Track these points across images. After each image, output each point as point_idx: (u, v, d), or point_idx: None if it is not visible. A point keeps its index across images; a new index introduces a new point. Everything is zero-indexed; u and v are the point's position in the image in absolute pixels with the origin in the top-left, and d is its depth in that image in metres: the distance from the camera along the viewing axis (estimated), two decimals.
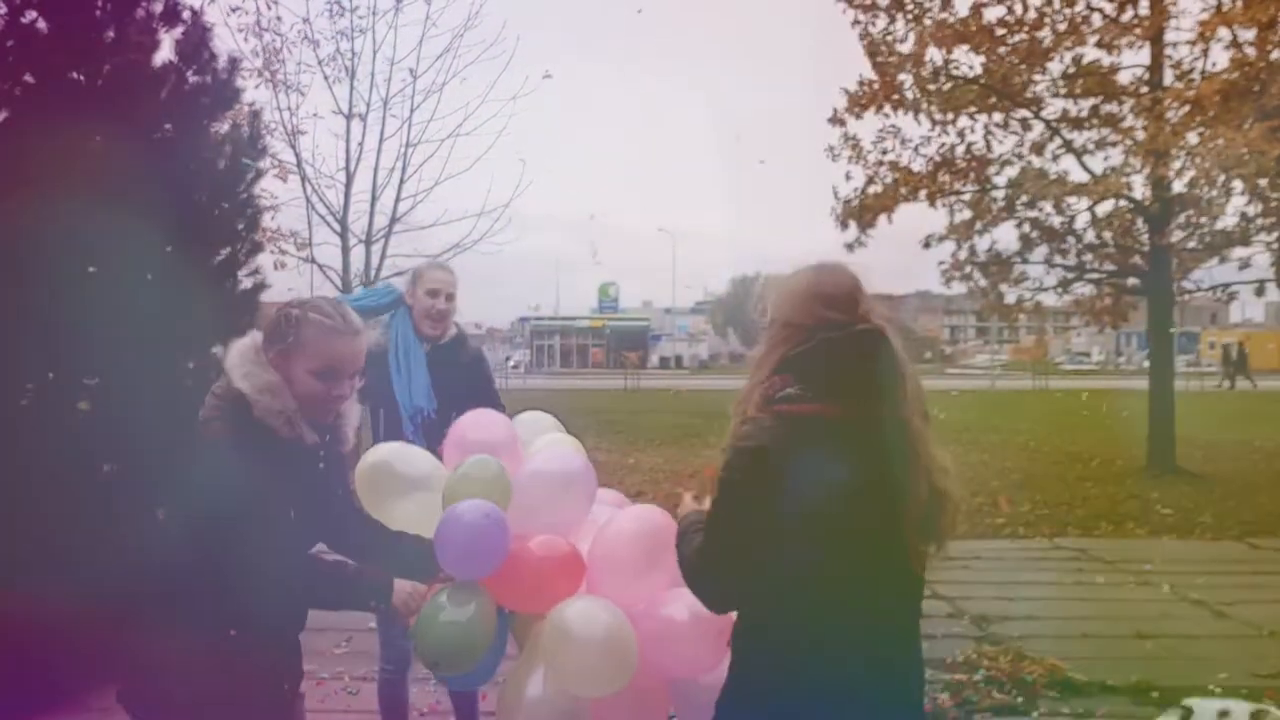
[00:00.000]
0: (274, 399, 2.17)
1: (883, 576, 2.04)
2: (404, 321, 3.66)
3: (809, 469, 1.89)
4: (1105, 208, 12.09)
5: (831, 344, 1.95)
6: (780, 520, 1.91)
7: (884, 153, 12.47)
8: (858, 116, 12.21)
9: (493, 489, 2.50)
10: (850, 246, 12.45)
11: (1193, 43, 10.93)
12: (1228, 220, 11.46)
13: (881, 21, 11.79)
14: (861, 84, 12.01)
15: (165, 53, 5.12)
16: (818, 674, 1.95)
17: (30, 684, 4.02)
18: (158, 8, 5.09)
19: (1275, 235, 11.41)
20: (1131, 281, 12.31)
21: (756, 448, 1.91)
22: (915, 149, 12.37)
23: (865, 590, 2.01)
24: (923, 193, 12.17)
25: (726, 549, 1.98)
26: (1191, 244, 11.48)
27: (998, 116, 12.11)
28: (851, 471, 1.92)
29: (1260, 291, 12.19)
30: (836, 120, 12.37)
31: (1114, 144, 11.91)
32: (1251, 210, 11.25)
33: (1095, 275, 12.51)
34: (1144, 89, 11.57)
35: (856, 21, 11.87)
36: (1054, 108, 12.17)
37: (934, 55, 11.68)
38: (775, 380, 1.97)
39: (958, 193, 12.37)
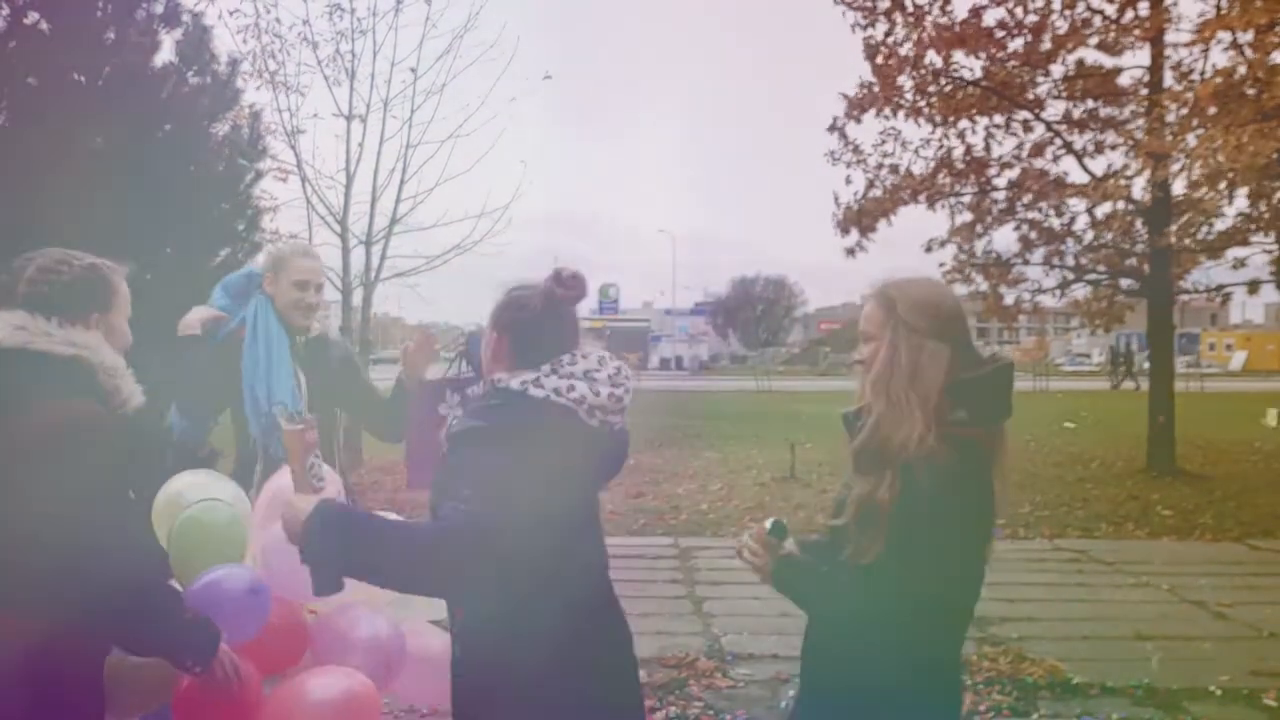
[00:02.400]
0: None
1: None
2: (265, 311, 3.22)
3: (984, 493, 1.99)
4: (1105, 209, 12.11)
5: (1004, 371, 2.03)
6: (972, 544, 2.06)
7: (885, 156, 12.48)
8: (857, 120, 12.21)
9: (223, 538, 2.34)
10: (851, 251, 12.46)
11: (1191, 44, 10.94)
12: (1226, 221, 11.47)
13: (881, 24, 11.80)
14: (861, 87, 12.01)
15: (166, 54, 5.15)
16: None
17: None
18: (158, 9, 5.11)
19: (1272, 236, 11.40)
20: (1127, 284, 12.31)
21: (958, 470, 1.92)
22: (916, 151, 12.38)
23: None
24: (923, 195, 12.17)
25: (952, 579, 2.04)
26: (1190, 245, 11.48)
27: (998, 119, 12.11)
28: (993, 498, 2.03)
29: (1254, 290, 12.17)
30: (834, 128, 12.37)
31: (1114, 146, 11.92)
32: (1251, 211, 11.25)
33: (1094, 277, 12.51)
34: (1144, 90, 11.59)
35: (856, 25, 11.87)
36: (1054, 109, 12.19)
37: (934, 58, 11.69)
38: (945, 402, 1.95)
39: (958, 194, 12.38)
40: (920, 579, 1.90)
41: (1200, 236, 11.42)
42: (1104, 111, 12.06)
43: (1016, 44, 11.46)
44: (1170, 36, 11.29)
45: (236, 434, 3.32)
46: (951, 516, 1.90)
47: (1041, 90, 11.99)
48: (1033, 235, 12.35)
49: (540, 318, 2.07)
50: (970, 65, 11.80)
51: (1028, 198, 11.85)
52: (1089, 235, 12.36)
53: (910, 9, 11.59)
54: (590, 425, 2.00)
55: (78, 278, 2.16)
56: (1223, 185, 9.98)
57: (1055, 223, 12.30)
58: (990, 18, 11.42)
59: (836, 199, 12.49)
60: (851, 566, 1.97)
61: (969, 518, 1.95)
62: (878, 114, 12.03)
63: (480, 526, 1.88)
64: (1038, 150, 12.11)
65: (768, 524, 2.09)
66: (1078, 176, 12.06)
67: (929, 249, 12.66)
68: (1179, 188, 11.26)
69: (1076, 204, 12.10)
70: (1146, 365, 14.00)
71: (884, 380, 1.97)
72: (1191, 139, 10.35)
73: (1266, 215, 11.09)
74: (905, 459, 1.89)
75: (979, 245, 12.47)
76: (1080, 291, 12.80)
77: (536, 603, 1.97)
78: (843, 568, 1.99)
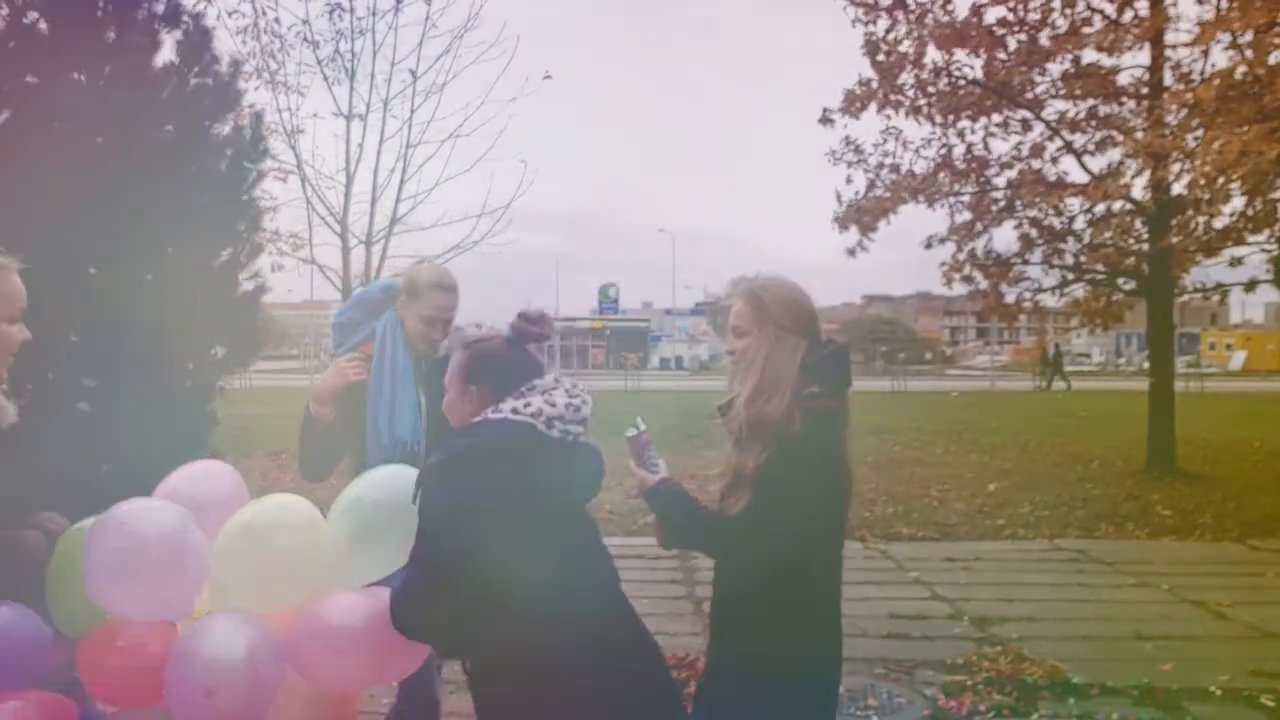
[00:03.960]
0: None
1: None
2: (394, 333, 3.09)
3: (837, 454, 2.30)
4: (1105, 208, 12.10)
5: (842, 351, 2.36)
6: (828, 498, 2.28)
7: (885, 155, 12.48)
8: (855, 117, 12.21)
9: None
10: (852, 250, 12.46)
11: (1191, 44, 10.93)
12: (1223, 220, 11.46)
13: (883, 21, 11.80)
14: (861, 84, 12.00)
15: (166, 54, 5.13)
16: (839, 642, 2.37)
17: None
18: (159, 9, 5.10)
19: (1269, 235, 11.40)
20: (1126, 284, 12.30)
21: (818, 434, 2.23)
22: (917, 150, 12.38)
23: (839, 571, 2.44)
24: (923, 195, 12.17)
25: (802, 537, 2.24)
26: (1188, 244, 11.47)
27: (997, 118, 12.11)
28: (847, 455, 2.34)
29: (1251, 288, 12.17)
30: (825, 119, 12.35)
31: (1114, 145, 11.91)
32: (1247, 210, 11.24)
33: (1094, 276, 12.51)
34: (1144, 90, 11.58)
35: (858, 20, 11.87)
36: (1054, 109, 12.19)
37: (934, 56, 11.70)
38: (801, 379, 2.26)
39: (957, 194, 12.38)
40: (777, 526, 2.17)
41: (1197, 235, 11.42)
42: (1103, 111, 12.06)
43: (1016, 43, 11.46)
44: (1170, 37, 11.32)
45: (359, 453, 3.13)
46: (811, 472, 2.20)
47: (1041, 90, 11.99)
48: (1033, 234, 12.36)
49: (509, 361, 2.20)
50: (971, 64, 11.81)
51: (1027, 197, 11.84)
52: (1088, 234, 12.37)
53: (912, 5, 11.59)
54: (550, 436, 2.10)
55: None
56: (1220, 180, 9.97)
57: (1055, 222, 12.31)
58: (991, 16, 11.45)
59: (839, 197, 12.49)
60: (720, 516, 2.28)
61: (826, 474, 2.26)
62: (878, 111, 12.03)
63: (427, 565, 1.99)
64: (1037, 150, 12.11)
65: (631, 431, 2.39)
66: (1078, 176, 12.08)
67: (929, 246, 12.67)
68: (1178, 188, 11.26)
69: (1076, 204, 12.10)
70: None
71: (758, 368, 2.27)
72: (1191, 139, 10.35)
73: (1261, 214, 11.08)
74: (775, 430, 2.21)
75: (979, 244, 12.48)
76: (1080, 291, 12.80)
77: (539, 635, 2.00)
78: (712, 513, 2.31)
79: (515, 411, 2.09)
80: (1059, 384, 32.31)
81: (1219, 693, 4.67)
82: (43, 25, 4.79)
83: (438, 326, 3.08)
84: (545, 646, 2.01)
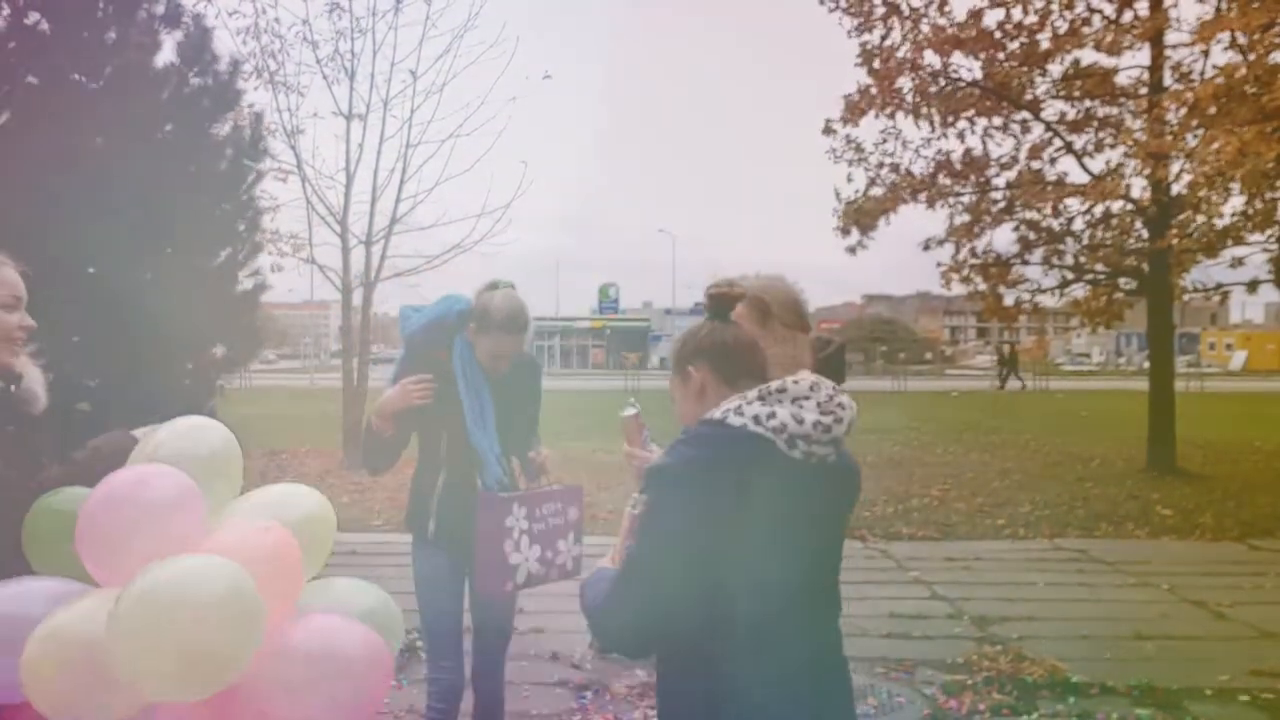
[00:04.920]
0: None
1: None
2: (467, 355, 3.19)
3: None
4: (1104, 208, 12.11)
5: (840, 349, 2.31)
6: None
7: (885, 155, 12.48)
8: (855, 124, 12.22)
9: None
10: (852, 249, 12.46)
11: (1191, 44, 10.94)
12: (1223, 220, 11.47)
13: (878, 30, 11.79)
14: (859, 91, 12.00)
15: (167, 54, 5.15)
16: None
17: None
18: (159, 10, 5.11)
19: (1270, 235, 11.41)
20: (1126, 283, 12.31)
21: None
22: (917, 151, 12.38)
23: None
24: (923, 195, 12.18)
25: None
26: (1188, 244, 11.48)
27: (997, 119, 12.11)
28: None
29: (1253, 289, 12.18)
30: (828, 130, 12.37)
31: (1113, 145, 11.92)
32: (1247, 209, 11.25)
33: (1093, 276, 12.51)
34: (1144, 90, 11.58)
35: (853, 31, 11.86)
36: (1053, 109, 12.19)
37: (932, 59, 11.69)
38: None
39: (957, 194, 12.38)
40: None
41: (1196, 237, 11.43)
42: (1103, 111, 12.07)
43: (1015, 45, 11.46)
44: (1170, 37, 11.32)
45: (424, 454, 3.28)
46: None
47: (1040, 90, 12.00)
48: (1031, 235, 12.37)
49: (717, 331, 1.97)
50: (969, 66, 11.82)
51: (1026, 198, 11.85)
52: (1088, 235, 12.38)
53: (907, 12, 11.59)
54: (791, 457, 1.80)
55: None
56: (1219, 180, 9.98)
57: (1054, 223, 12.32)
58: (989, 19, 11.45)
59: (838, 195, 12.50)
60: None
61: None
62: (877, 115, 12.04)
63: (631, 581, 1.82)
64: (1036, 151, 12.12)
65: (628, 410, 2.29)
66: (1077, 176, 12.08)
67: (926, 247, 12.68)
68: (1178, 189, 11.27)
69: (1076, 204, 12.11)
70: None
71: (773, 368, 2.16)
72: (1191, 139, 10.35)
73: (1261, 214, 11.09)
74: None
75: (978, 245, 12.49)
76: (1079, 291, 12.81)
77: (739, 667, 1.81)
78: None
79: (757, 421, 1.80)
80: (1013, 383, 32.37)
81: (1219, 693, 4.67)
82: (43, 25, 4.80)
83: (504, 361, 3.20)
84: (750, 678, 1.80)
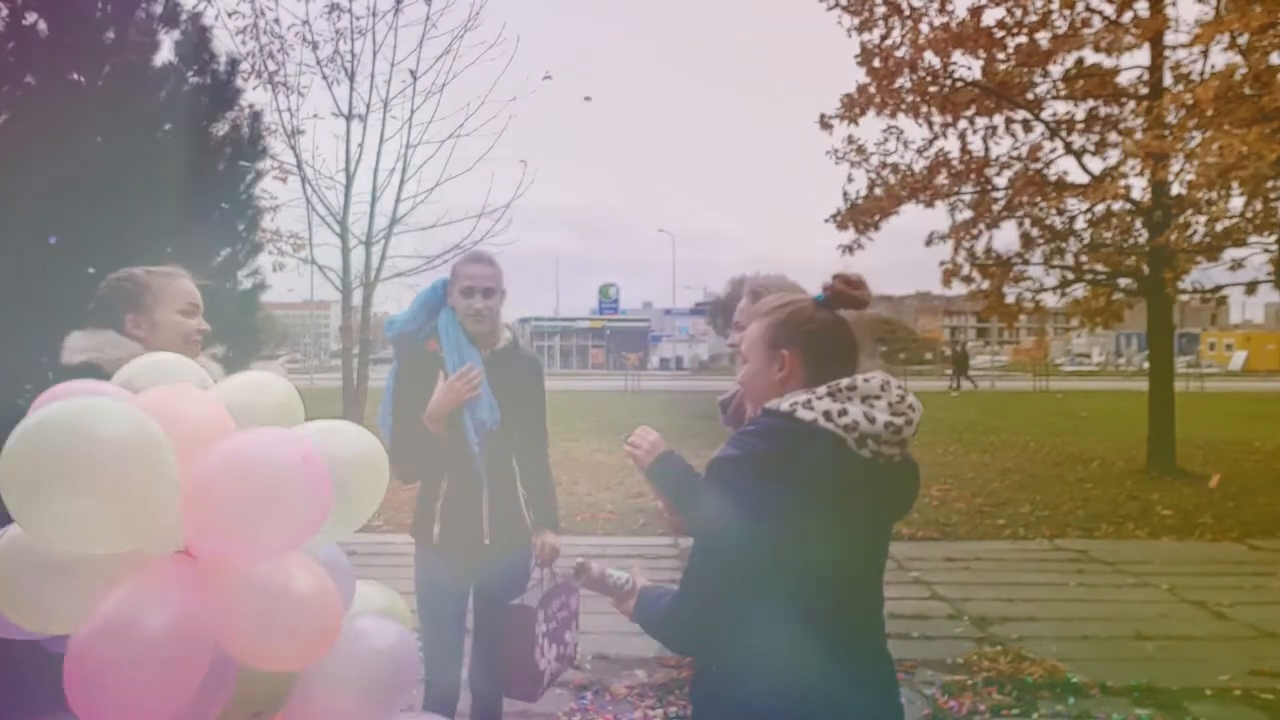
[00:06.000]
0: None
1: None
2: (451, 325, 3.17)
3: None
4: (1105, 208, 12.10)
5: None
6: None
7: (886, 154, 12.48)
8: (854, 122, 12.21)
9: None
10: (850, 248, 12.46)
11: (1190, 44, 10.93)
12: (1225, 221, 11.46)
13: (878, 29, 11.78)
14: (859, 90, 11.99)
15: (165, 54, 5.15)
16: None
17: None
18: (158, 9, 5.11)
19: (1271, 236, 11.40)
20: (1125, 283, 12.31)
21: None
22: (918, 150, 12.38)
23: None
24: (923, 194, 12.17)
25: None
26: (1187, 246, 11.48)
27: (997, 119, 12.11)
28: None
29: (1252, 290, 12.17)
30: (825, 125, 12.35)
31: (1114, 145, 11.91)
32: (1246, 210, 11.25)
33: (1093, 276, 12.51)
34: (1144, 90, 11.58)
35: (852, 30, 11.86)
36: (1053, 109, 12.19)
37: (932, 59, 11.68)
38: None
39: (957, 194, 12.38)
40: None
41: (1196, 239, 11.43)
42: (1103, 111, 12.06)
43: (1015, 44, 11.46)
44: (1170, 37, 11.32)
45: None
46: None
47: (1041, 90, 11.99)
48: (1034, 233, 12.36)
49: (825, 324, 1.91)
50: (969, 65, 11.81)
51: (1026, 198, 11.84)
52: (1088, 235, 12.38)
53: (907, 11, 11.59)
54: (861, 456, 1.78)
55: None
56: (1219, 180, 9.97)
57: (1055, 221, 12.32)
58: (989, 18, 11.44)
59: (845, 195, 12.50)
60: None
61: None
62: (877, 114, 12.04)
63: (700, 567, 1.83)
64: (1036, 151, 12.11)
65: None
66: (1077, 176, 12.08)
67: (929, 243, 12.67)
68: (1178, 189, 11.27)
69: (1076, 204, 12.10)
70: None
71: None
72: (1191, 140, 10.35)
73: (1261, 214, 11.09)
74: None
75: (979, 244, 12.49)
76: (1080, 291, 12.80)
77: (788, 662, 1.78)
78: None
79: (828, 417, 1.76)
80: (965, 384, 32.53)
81: (1218, 693, 4.66)
82: (43, 25, 4.79)
83: (475, 295, 3.13)
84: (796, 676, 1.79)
